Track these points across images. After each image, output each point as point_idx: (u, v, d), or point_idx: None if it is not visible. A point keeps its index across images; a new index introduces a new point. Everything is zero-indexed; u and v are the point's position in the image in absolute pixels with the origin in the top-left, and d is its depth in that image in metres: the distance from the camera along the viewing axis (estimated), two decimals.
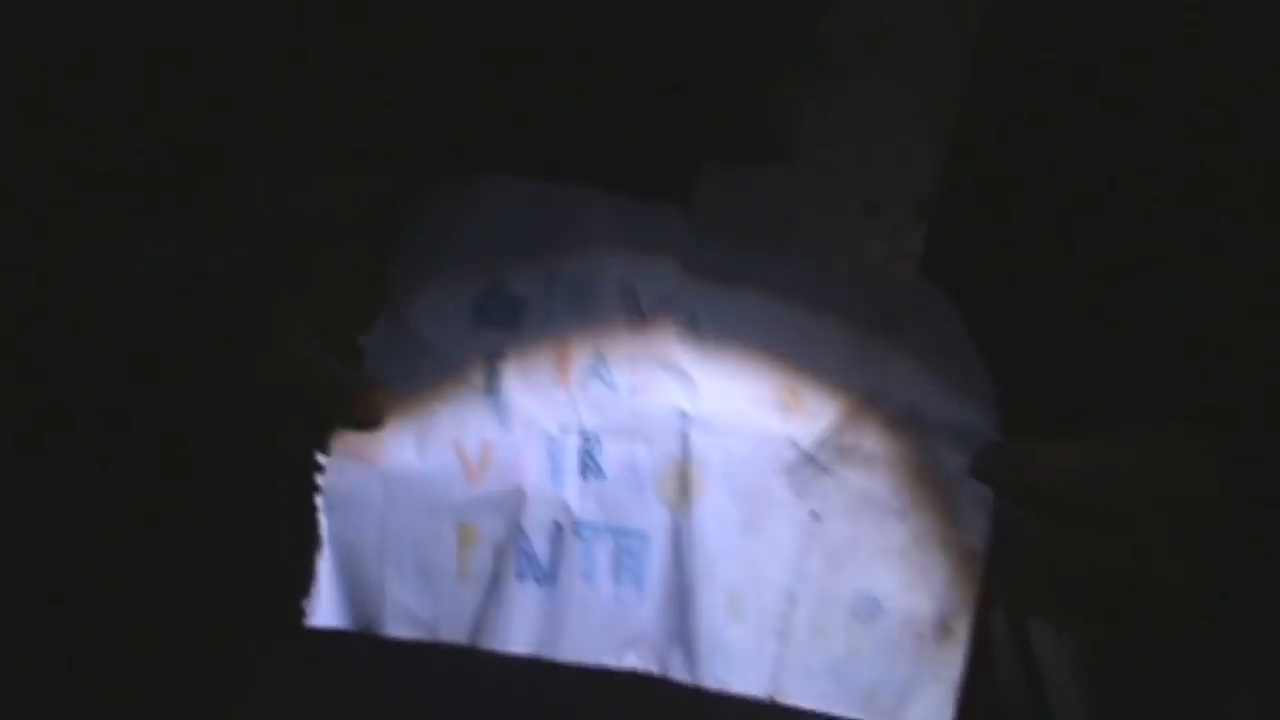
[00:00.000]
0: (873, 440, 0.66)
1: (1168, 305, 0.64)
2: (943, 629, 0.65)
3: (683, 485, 0.65)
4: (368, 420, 0.62)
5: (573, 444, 0.65)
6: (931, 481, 0.66)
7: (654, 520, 0.64)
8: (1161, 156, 0.62)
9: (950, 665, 0.65)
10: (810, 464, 0.65)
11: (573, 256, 0.66)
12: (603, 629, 0.64)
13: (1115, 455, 0.62)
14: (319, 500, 0.65)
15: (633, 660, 0.64)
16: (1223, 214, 0.64)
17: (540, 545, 0.64)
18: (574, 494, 0.64)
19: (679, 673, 0.64)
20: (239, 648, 0.81)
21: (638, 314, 0.66)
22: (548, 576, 0.64)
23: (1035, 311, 0.66)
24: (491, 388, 0.65)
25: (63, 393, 0.82)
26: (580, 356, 0.65)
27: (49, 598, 0.86)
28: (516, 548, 0.64)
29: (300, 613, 0.63)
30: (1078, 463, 0.60)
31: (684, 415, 0.65)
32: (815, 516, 0.65)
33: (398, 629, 0.64)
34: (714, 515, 0.64)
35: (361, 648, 0.66)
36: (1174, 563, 0.59)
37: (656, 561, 0.64)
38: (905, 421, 0.66)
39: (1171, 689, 0.66)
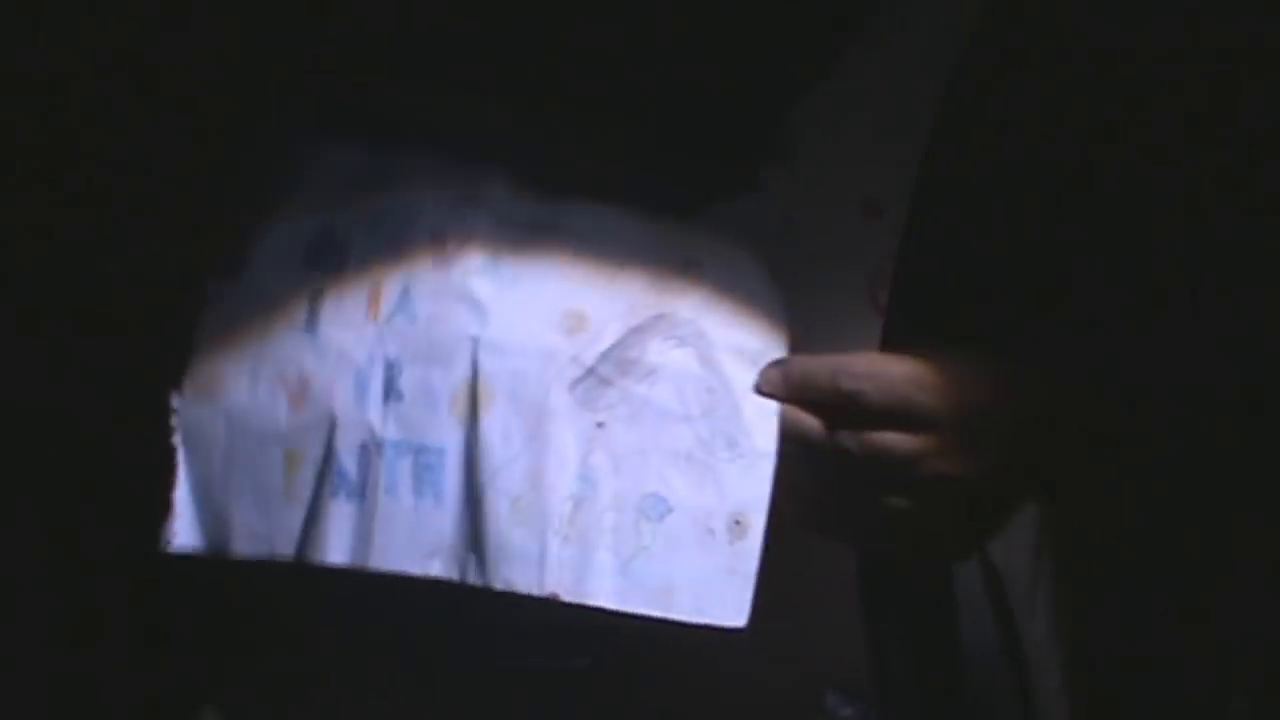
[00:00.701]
0: (655, 354, 0.69)
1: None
2: (735, 525, 0.67)
3: (472, 403, 0.69)
4: None
5: (378, 372, 0.69)
6: (716, 390, 0.69)
7: (449, 436, 0.69)
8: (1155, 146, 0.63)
9: (746, 559, 0.68)
10: (593, 377, 0.69)
11: (392, 203, 0.71)
12: (408, 540, 0.68)
13: (901, 363, 0.68)
14: (175, 437, 0.71)
15: (436, 569, 0.69)
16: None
17: (350, 464, 0.68)
18: (377, 416, 0.69)
19: (474, 578, 0.68)
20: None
21: (442, 254, 0.70)
22: (357, 493, 0.68)
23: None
24: (311, 325, 0.70)
25: None
26: (389, 293, 0.70)
27: None
28: (330, 468, 0.68)
29: (163, 540, 0.67)
30: (862, 368, 0.62)
31: (475, 340, 0.69)
32: (600, 425, 0.69)
33: (244, 549, 0.69)
34: (498, 428, 0.68)
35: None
36: (962, 460, 0.61)
37: (451, 475, 0.69)
38: (690, 339, 0.70)
39: (1145, 624, 0.66)
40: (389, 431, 0.69)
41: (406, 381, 0.70)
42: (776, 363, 0.70)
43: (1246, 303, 0.61)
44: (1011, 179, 0.68)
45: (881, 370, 0.67)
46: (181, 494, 0.71)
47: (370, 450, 0.69)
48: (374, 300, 0.71)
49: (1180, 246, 0.61)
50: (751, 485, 0.69)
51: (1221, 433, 0.62)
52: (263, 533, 0.70)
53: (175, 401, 0.72)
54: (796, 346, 0.79)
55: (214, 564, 0.78)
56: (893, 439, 0.64)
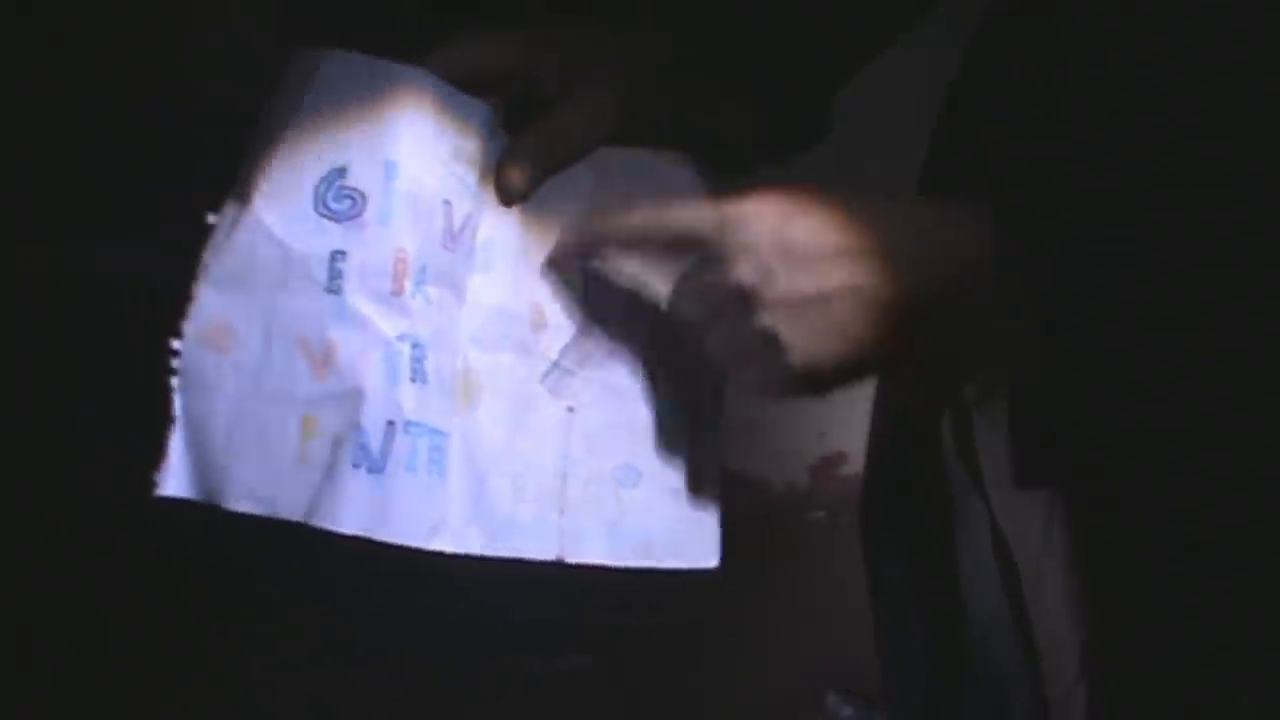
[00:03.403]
0: (607, 344, 0.74)
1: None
2: (695, 482, 0.75)
3: (467, 393, 0.72)
4: None
5: (406, 351, 0.69)
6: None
7: (452, 422, 0.71)
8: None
9: (708, 510, 0.75)
10: (558, 369, 0.74)
11: (403, 149, 0.70)
12: (417, 514, 0.70)
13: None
14: (174, 381, 0.68)
15: (438, 543, 0.69)
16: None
17: (375, 440, 0.68)
18: (407, 397, 0.69)
19: (475, 548, 0.71)
20: None
21: (450, 230, 0.71)
22: (378, 467, 0.68)
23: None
24: (333, 286, 0.68)
25: None
26: (413, 268, 0.70)
27: None
28: (353, 440, 0.68)
29: (152, 483, 0.66)
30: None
31: (464, 334, 0.72)
32: (571, 411, 0.74)
33: (238, 504, 0.67)
34: (491, 417, 0.72)
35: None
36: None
37: (453, 457, 0.71)
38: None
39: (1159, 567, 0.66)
40: (414, 413, 0.70)
41: (430, 367, 0.70)
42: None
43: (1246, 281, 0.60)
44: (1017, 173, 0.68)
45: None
46: (177, 440, 0.69)
47: (397, 428, 0.69)
48: (399, 273, 0.69)
49: (1186, 242, 0.60)
50: (704, 446, 0.76)
51: (1225, 411, 0.62)
52: (265, 492, 0.68)
53: (176, 345, 0.70)
54: None
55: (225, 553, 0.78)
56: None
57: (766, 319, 0.61)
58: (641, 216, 0.66)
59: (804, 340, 0.61)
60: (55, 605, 0.90)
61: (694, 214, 0.64)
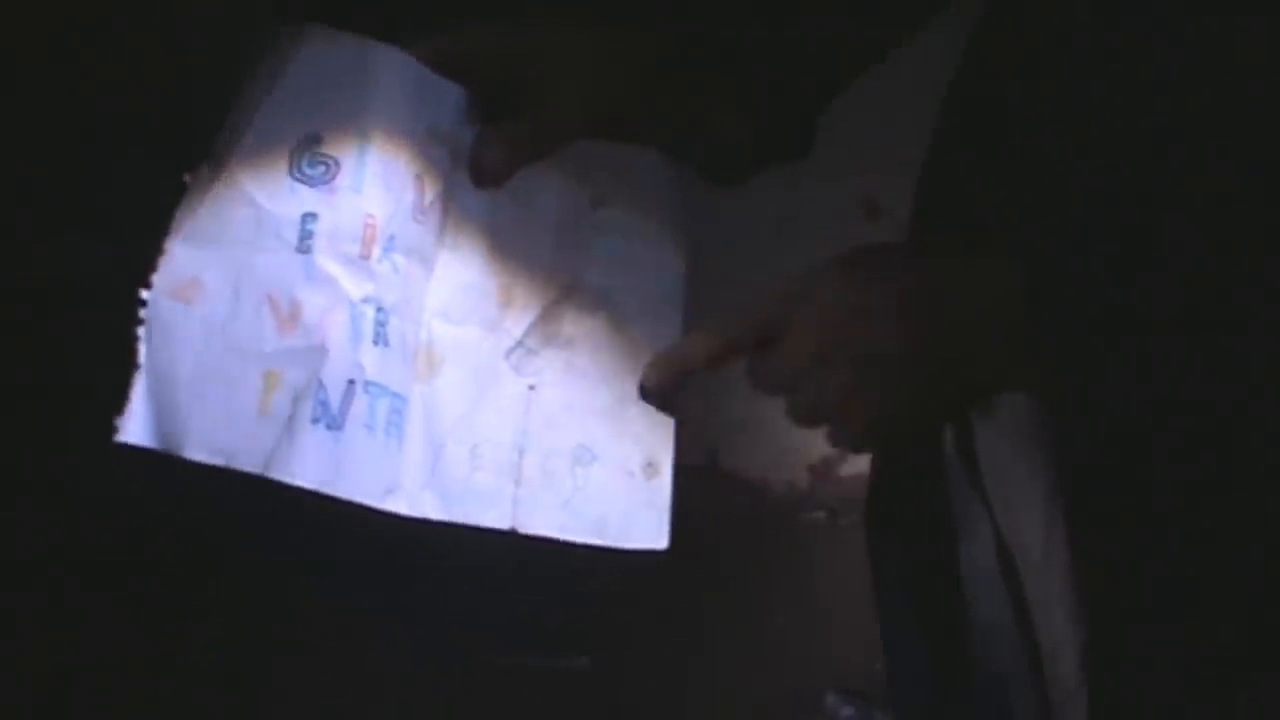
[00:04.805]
0: (571, 325, 0.77)
1: None
2: (648, 467, 0.77)
3: (429, 362, 0.74)
4: None
5: (369, 313, 0.71)
6: (624, 352, 0.76)
7: (412, 389, 0.73)
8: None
9: (660, 494, 0.76)
10: (522, 348, 0.76)
11: (378, 122, 0.71)
12: (373, 474, 0.71)
13: None
14: (139, 330, 0.68)
15: (392, 504, 0.71)
16: None
17: (335, 397, 0.70)
18: (368, 357, 0.71)
19: (430, 512, 0.72)
20: None
21: (420, 205, 0.73)
22: (337, 424, 0.70)
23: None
24: (303, 247, 0.70)
25: None
26: (381, 235, 0.71)
27: None
28: (314, 396, 0.69)
29: (112, 429, 0.67)
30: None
31: (430, 305, 0.74)
32: (532, 388, 0.76)
33: (197, 453, 0.68)
34: (452, 387, 0.74)
35: None
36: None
37: (412, 422, 0.73)
38: (598, 305, 0.76)
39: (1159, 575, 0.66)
40: (374, 374, 0.71)
41: (393, 331, 0.72)
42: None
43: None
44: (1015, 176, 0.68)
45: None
46: (139, 389, 0.69)
47: (357, 387, 0.71)
48: (369, 239, 0.71)
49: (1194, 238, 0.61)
50: (658, 433, 0.77)
51: (1228, 413, 0.62)
52: (225, 444, 0.69)
53: (144, 295, 0.69)
54: None
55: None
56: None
57: (841, 378, 0.62)
58: (720, 336, 0.67)
59: (878, 396, 0.62)
60: (40, 602, 0.90)
61: (760, 311, 0.65)
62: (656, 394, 0.72)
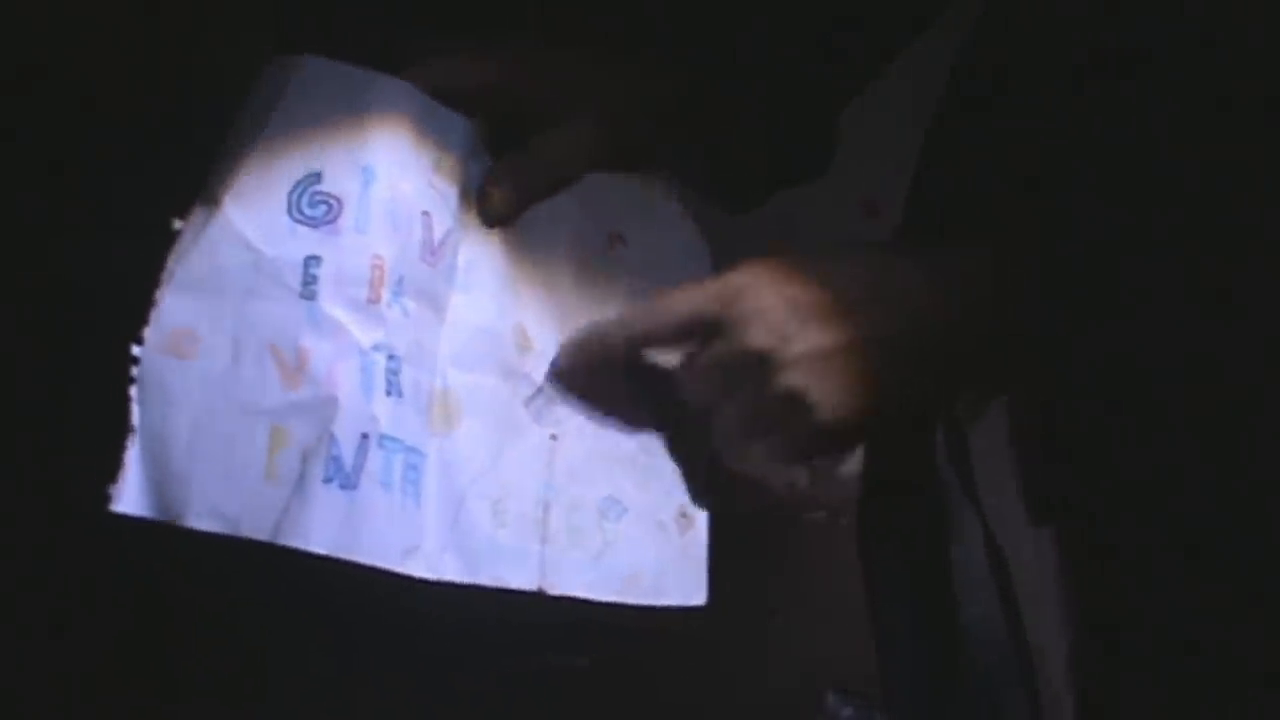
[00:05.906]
0: None
1: None
2: (681, 518, 0.74)
3: (445, 413, 0.69)
4: None
5: (381, 362, 0.66)
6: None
7: (429, 442, 0.68)
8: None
9: (695, 546, 0.73)
10: (543, 395, 0.71)
11: (381, 157, 0.67)
12: (391, 535, 0.66)
13: None
14: (132, 390, 0.64)
15: (412, 566, 0.66)
16: None
17: (348, 452, 0.65)
18: (382, 409, 0.66)
19: (452, 574, 0.68)
20: None
21: (430, 244, 0.68)
22: (351, 482, 0.65)
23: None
24: (307, 292, 0.65)
25: None
26: (390, 278, 0.67)
27: None
28: (325, 453, 0.64)
29: (105, 498, 0.63)
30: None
31: (443, 352, 0.70)
32: (554, 438, 0.72)
33: (200, 522, 0.63)
34: (471, 440, 0.70)
35: None
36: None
37: (430, 478, 0.68)
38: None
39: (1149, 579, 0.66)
40: (388, 427, 0.67)
41: (406, 381, 0.68)
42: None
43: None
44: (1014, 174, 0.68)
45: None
46: (133, 454, 0.64)
47: (371, 441, 0.66)
48: (376, 282, 0.66)
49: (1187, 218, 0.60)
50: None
51: (1224, 407, 0.61)
52: (230, 509, 0.64)
53: (136, 351, 0.64)
54: None
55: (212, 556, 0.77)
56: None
57: (789, 379, 0.59)
58: (640, 320, 0.63)
59: (830, 395, 0.59)
60: (40, 611, 0.90)
61: (691, 297, 0.62)
62: (565, 377, 0.64)
